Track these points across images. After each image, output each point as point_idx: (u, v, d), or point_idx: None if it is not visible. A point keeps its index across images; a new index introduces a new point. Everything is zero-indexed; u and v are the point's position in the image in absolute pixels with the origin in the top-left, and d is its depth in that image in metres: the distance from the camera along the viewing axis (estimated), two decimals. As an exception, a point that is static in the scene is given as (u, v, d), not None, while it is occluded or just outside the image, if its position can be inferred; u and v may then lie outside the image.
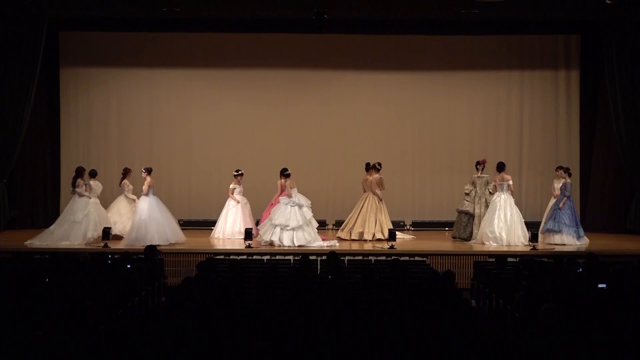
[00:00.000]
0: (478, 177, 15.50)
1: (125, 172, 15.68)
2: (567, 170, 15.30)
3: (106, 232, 14.06)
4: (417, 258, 13.14)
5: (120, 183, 15.68)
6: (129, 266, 10.43)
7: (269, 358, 6.25)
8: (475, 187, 15.46)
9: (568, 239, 14.67)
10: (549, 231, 14.81)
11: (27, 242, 14.39)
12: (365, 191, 15.82)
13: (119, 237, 14.80)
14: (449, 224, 16.73)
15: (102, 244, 13.93)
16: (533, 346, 7.44)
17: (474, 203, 15.37)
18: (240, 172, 15.72)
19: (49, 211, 17.62)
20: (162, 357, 6.34)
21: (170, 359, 6.33)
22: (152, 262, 11.37)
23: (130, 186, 15.63)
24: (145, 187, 14.65)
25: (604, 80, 17.00)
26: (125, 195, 15.58)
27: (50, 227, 14.79)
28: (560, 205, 14.79)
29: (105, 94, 18.07)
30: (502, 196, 14.80)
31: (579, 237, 14.78)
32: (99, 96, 18.05)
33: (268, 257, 13.19)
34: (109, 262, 10.86)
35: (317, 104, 18.17)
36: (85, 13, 16.94)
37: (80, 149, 18.02)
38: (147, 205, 14.55)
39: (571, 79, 18.03)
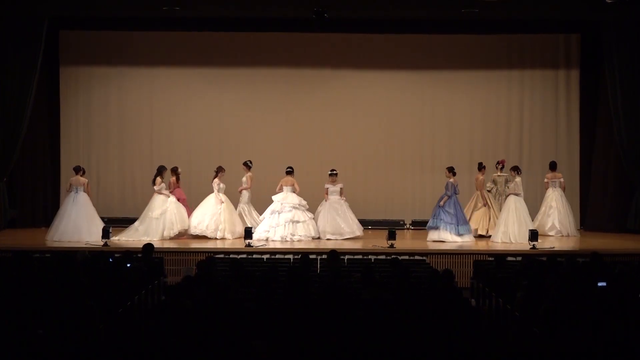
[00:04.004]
0: (498, 175, 16.44)
1: (217, 171, 15.54)
2: (451, 170, 15.35)
3: (106, 231, 14.07)
4: (417, 257, 13.14)
5: (212, 181, 15.55)
6: (129, 265, 10.43)
7: (269, 358, 6.25)
8: (496, 185, 16.39)
9: (445, 236, 14.86)
10: (429, 228, 15.07)
11: (116, 239, 14.60)
12: (477, 189, 16.27)
13: (201, 237, 15.03)
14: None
15: (102, 243, 13.94)
16: (533, 346, 7.43)
17: (495, 200, 16.29)
18: (335, 172, 15.74)
19: (49, 210, 17.60)
20: (162, 356, 6.33)
21: (170, 358, 6.33)
22: (151, 260, 11.36)
23: (222, 185, 15.49)
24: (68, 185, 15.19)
25: (604, 80, 16.98)
26: (216, 194, 15.42)
27: (134, 223, 15.06)
28: (441, 203, 15.04)
29: (105, 92, 18.07)
30: (556, 191, 16.23)
31: (459, 235, 14.91)
32: (99, 95, 18.06)
33: (268, 255, 13.18)
34: (110, 260, 10.85)
35: (317, 103, 18.18)
36: (85, 12, 16.93)
37: (81, 148, 18.01)
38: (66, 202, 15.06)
39: (571, 78, 18.04)
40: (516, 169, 15.44)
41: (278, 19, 17.31)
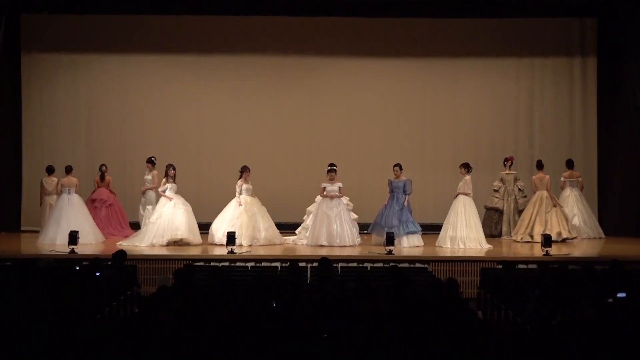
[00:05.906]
0: (507, 173, 16.73)
1: (242, 171, 15.39)
2: (401, 167, 15.35)
3: (72, 236, 13.95)
4: (417, 265, 13.10)
5: (237, 183, 15.41)
6: (98, 274, 10.36)
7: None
8: (504, 183, 16.63)
9: (421, 240, 15.11)
10: (409, 233, 14.96)
11: (118, 243, 14.70)
12: (536, 190, 16.10)
13: (218, 244, 14.97)
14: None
15: (69, 250, 13.83)
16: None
17: (503, 200, 16.56)
18: (334, 167, 15.61)
19: (12, 213, 17.51)
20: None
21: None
22: (123, 268, 11.28)
23: (245, 186, 15.31)
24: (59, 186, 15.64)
25: (623, 68, 16.97)
26: (237, 197, 15.30)
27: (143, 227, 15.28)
28: (405, 203, 15.14)
29: (72, 82, 18.04)
30: (574, 192, 16.56)
31: None
32: (65, 84, 18.02)
33: (252, 263, 13.12)
34: (77, 269, 10.77)
35: (307, 93, 18.17)
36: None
37: (45, 144, 17.97)
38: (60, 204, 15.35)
39: (587, 66, 18.07)
40: (466, 166, 15.32)
41: (264, 0, 17.27)
